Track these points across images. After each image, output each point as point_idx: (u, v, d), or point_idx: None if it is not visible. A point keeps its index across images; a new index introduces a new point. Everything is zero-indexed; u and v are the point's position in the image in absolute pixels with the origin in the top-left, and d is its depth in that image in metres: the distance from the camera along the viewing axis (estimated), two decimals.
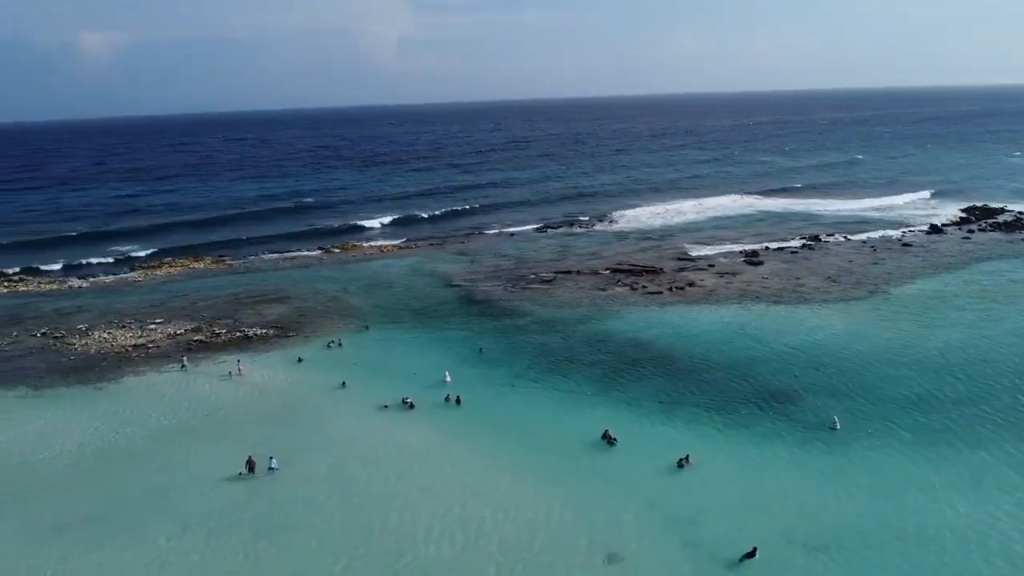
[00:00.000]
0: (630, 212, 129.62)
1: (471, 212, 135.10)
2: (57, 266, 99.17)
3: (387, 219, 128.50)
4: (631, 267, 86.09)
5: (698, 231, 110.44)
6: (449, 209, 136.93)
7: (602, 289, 77.46)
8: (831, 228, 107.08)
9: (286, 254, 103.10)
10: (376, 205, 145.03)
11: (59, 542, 35.43)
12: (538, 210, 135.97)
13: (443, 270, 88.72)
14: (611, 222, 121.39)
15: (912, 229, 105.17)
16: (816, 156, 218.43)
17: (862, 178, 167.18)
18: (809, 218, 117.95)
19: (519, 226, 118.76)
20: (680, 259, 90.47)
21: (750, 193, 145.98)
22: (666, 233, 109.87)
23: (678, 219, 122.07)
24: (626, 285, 78.44)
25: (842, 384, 50.60)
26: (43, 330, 68.96)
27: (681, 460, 40.15)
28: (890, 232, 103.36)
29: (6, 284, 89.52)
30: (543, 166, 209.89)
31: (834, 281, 77.35)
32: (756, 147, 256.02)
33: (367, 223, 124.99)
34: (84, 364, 59.92)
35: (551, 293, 76.64)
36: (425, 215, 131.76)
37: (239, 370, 56.16)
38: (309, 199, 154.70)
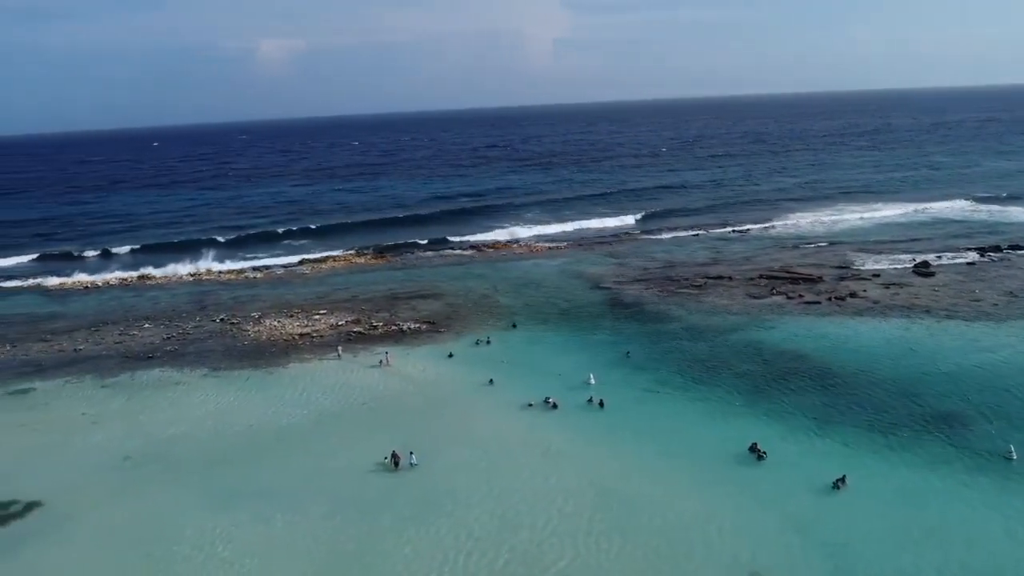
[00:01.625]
0: (792, 216, 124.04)
1: (620, 213, 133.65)
2: (236, 257, 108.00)
3: (539, 219, 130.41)
4: (788, 274, 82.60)
5: (864, 238, 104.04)
6: (597, 210, 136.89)
7: (755, 297, 74.82)
8: (1018, 239, 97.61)
9: (441, 252, 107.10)
10: (529, 205, 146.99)
11: (232, 511, 38.78)
12: (693, 212, 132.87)
13: (591, 272, 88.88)
14: (770, 226, 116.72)
15: None
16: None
17: None
18: (993, 227, 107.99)
19: (671, 231, 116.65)
20: (842, 268, 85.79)
21: (927, 200, 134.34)
22: (829, 239, 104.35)
23: (843, 225, 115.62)
24: (781, 293, 75.37)
25: (1021, 410, 46.29)
26: (222, 316, 75.45)
27: (837, 481, 38.20)
28: None
29: (192, 273, 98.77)
30: (705, 168, 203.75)
31: (1016, 296, 70.71)
32: (945, 149, 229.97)
33: (519, 223, 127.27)
34: (256, 349, 64.97)
35: (701, 299, 74.94)
36: (575, 216, 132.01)
37: (387, 361, 59.07)
38: (466, 198, 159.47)
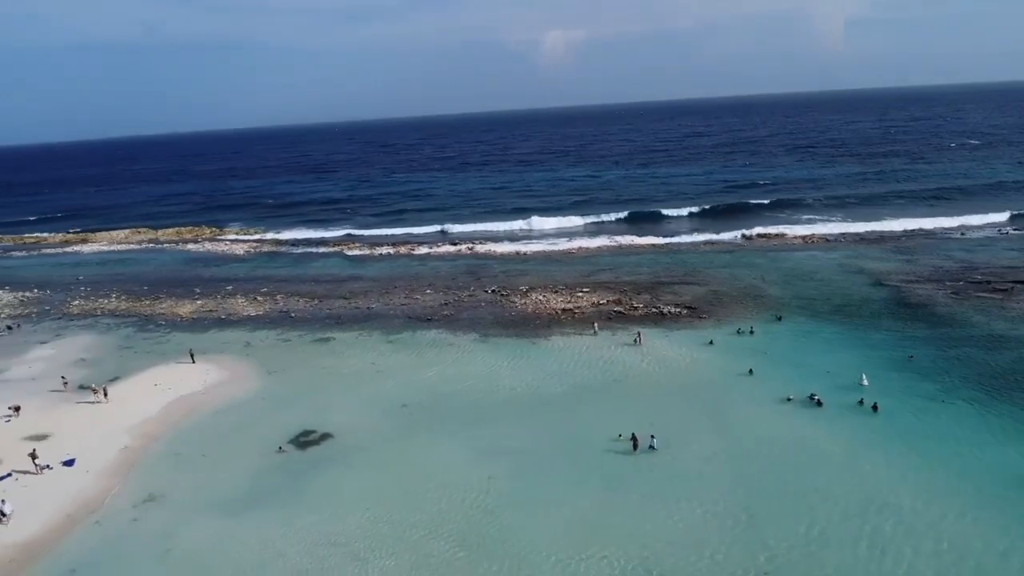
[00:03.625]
0: None
1: (913, 206, 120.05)
2: (512, 235, 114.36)
3: (820, 209, 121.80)
4: None
5: None
6: (886, 202, 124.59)
7: None
8: None
9: (711, 238, 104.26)
10: (812, 194, 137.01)
11: (488, 464, 41.54)
12: (1002, 206, 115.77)
13: (873, 267, 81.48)
14: None
15: None
16: None
17: None
18: None
19: (975, 229, 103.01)
20: None
21: None
22: None
23: None
24: None
25: None
26: (493, 288, 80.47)
27: None
28: None
29: (468, 246, 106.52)
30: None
31: None
32: None
33: (798, 212, 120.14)
34: (522, 320, 68.45)
35: (1006, 305, 65.57)
36: (860, 206, 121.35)
37: (640, 341, 59.29)
38: (744, 186, 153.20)
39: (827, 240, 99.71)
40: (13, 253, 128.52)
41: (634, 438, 42.35)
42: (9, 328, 75.55)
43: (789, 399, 47.44)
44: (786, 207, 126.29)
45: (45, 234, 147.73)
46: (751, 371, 52.32)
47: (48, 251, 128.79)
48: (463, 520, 36.37)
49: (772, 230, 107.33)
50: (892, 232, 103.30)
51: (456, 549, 34.10)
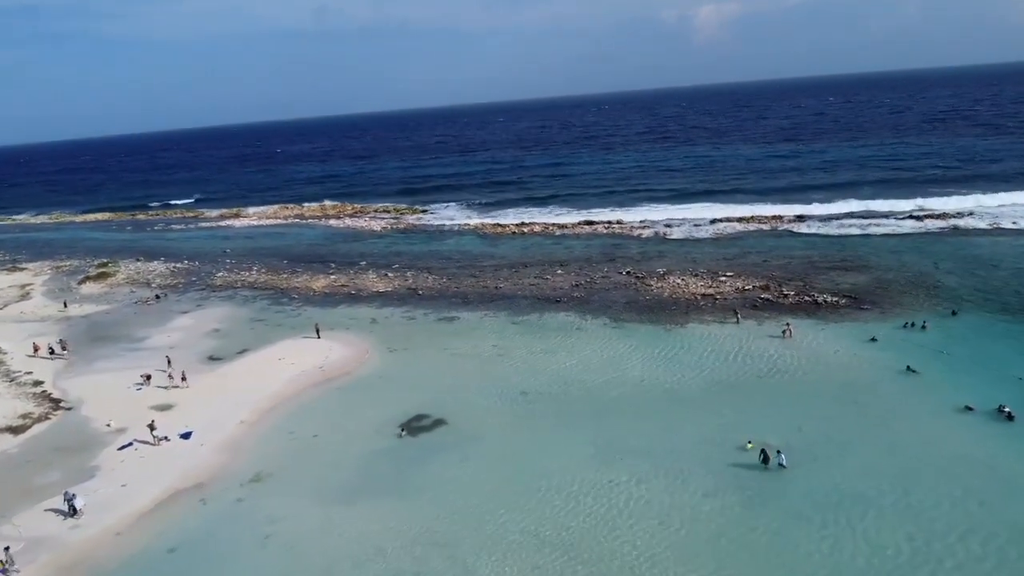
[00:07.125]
0: None
1: None
2: (654, 217, 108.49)
3: (1010, 191, 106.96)
4: None
5: None
6: None
7: None
8: None
9: (875, 220, 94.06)
10: (995, 176, 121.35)
11: (611, 465, 37.68)
12: None
13: None
14: None
15: None
16: None
17: None
18: None
19: None
20: None
21: None
22: None
23: None
24: None
25: None
26: (628, 269, 75.73)
27: None
28: None
29: (606, 225, 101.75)
30: None
31: None
32: None
33: (978, 194, 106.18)
34: (658, 305, 63.51)
35: None
36: None
37: (789, 333, 53.22)
38: (910, 162, 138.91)
39: (1013, 225, 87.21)
40: (173, 226, 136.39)
41: (764, 454, 36.64)
42: (157, 298, 78.79)
43: (969, 409, 40.25)
44: (967, 184, 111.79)
45: (203, 209, 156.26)
46: (921, 373, 45.23)
47: (204, 225, 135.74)
48: (581, 529, 32.66)
49: (946, 211, 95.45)
50: None
51: (569, 562, 30.49)
